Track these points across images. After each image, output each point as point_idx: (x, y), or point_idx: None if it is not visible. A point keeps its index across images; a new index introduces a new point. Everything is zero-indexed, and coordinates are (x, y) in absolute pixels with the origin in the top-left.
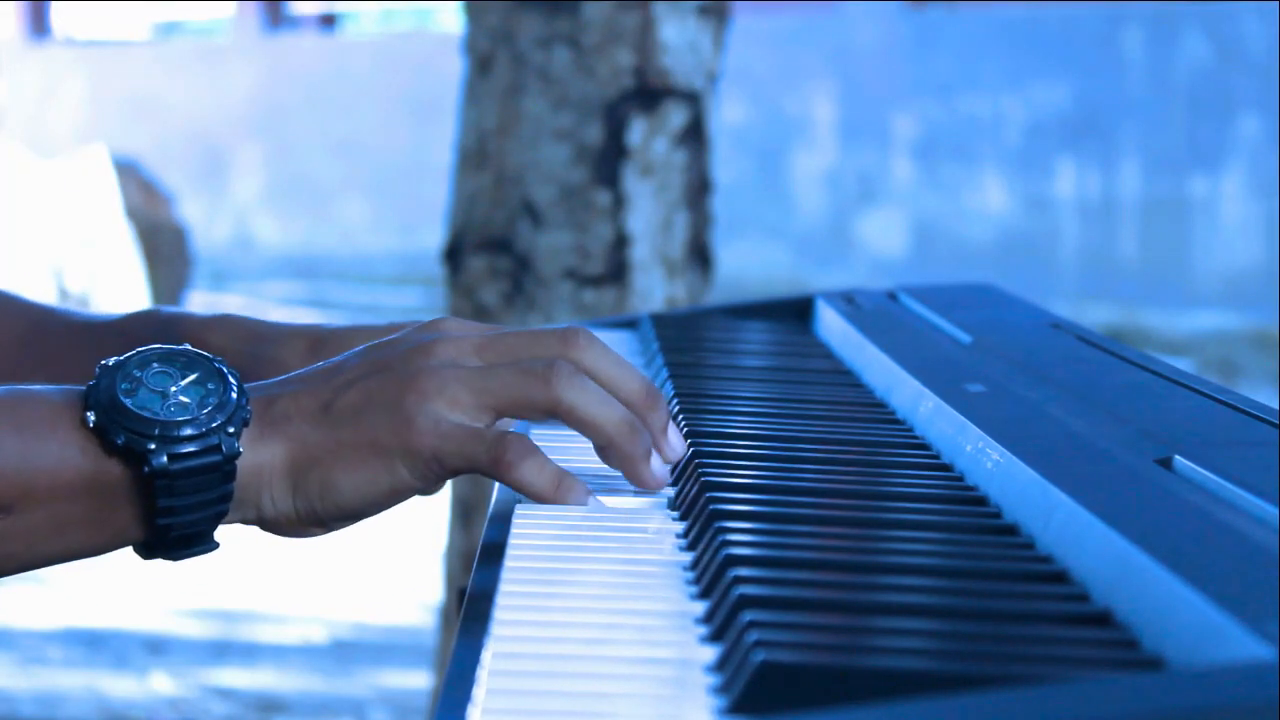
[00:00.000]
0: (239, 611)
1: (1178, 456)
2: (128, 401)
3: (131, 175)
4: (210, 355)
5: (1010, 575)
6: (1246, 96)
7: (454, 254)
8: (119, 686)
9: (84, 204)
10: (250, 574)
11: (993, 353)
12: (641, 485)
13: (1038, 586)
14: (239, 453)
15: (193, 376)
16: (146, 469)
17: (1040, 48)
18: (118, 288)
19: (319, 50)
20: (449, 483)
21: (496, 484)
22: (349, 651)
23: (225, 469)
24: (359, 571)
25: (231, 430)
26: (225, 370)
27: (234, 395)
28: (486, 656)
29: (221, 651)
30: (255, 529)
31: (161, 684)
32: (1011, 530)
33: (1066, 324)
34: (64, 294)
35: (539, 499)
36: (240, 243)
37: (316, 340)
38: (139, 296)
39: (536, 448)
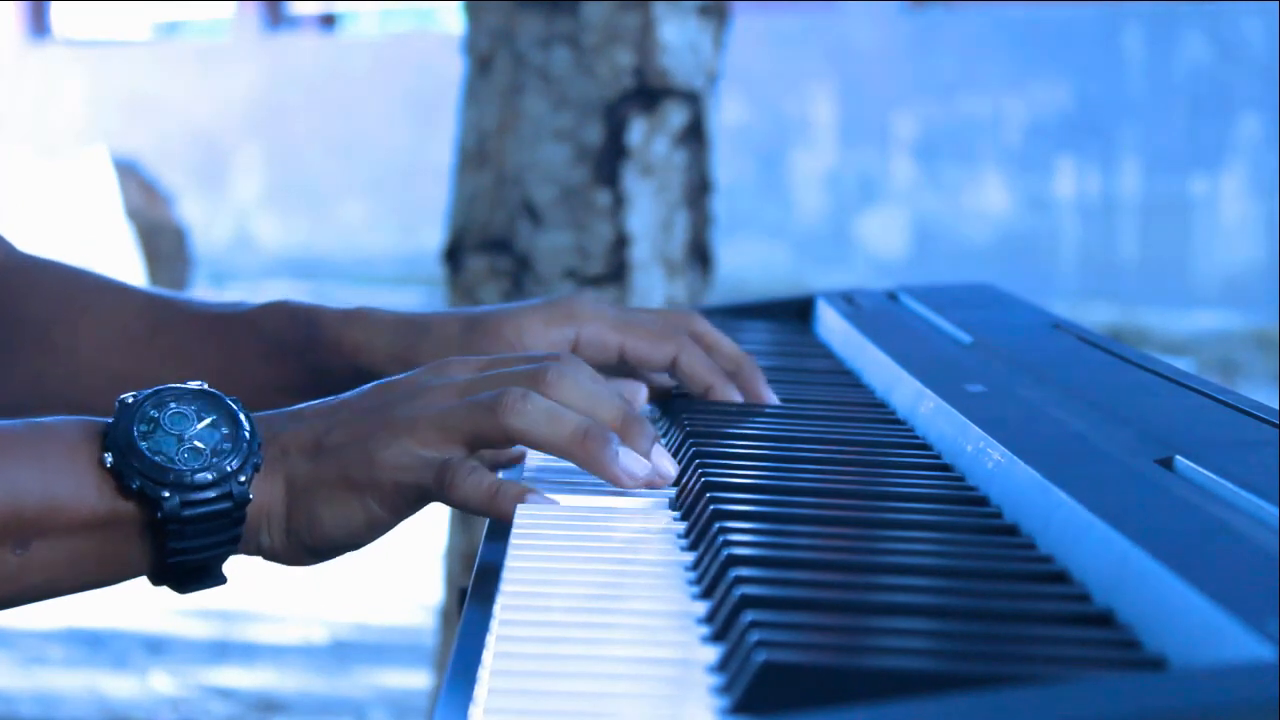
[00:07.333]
0: (239, 611)
1: (1178, 456)
2: (143, 445)
3: (131, 175)
4: (227, 396)
5: (1011, 575)
6: (1246, 96)
7: (454, 254)
8: (119, 686)
9: (84, 204)
10: (250, 574)
11: (993, 353)
12: (617, 484)
13: (1039, 586)
14: (249, 499)
15: (209, 420)
16: (159, 514)
17: (1040, 48)
18: None
19: (319, 50)
20: None
21: None
22: (349, 651)
23: (235, 515)
24: (359, 571)
25: (243, 479)
26: (240, 413)
27: (247, 440)
28: (487, 656)
29: (221, 651)
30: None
31: (161, 684)
32: (1012, 530)
33: (1066, 324)
34: None
35: (479, 513)
36: (240, 243)
37: (470, 323)
38: None
39: (479, 467)
